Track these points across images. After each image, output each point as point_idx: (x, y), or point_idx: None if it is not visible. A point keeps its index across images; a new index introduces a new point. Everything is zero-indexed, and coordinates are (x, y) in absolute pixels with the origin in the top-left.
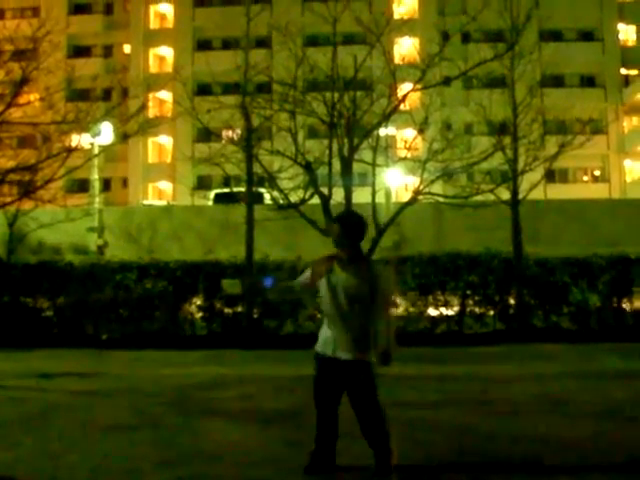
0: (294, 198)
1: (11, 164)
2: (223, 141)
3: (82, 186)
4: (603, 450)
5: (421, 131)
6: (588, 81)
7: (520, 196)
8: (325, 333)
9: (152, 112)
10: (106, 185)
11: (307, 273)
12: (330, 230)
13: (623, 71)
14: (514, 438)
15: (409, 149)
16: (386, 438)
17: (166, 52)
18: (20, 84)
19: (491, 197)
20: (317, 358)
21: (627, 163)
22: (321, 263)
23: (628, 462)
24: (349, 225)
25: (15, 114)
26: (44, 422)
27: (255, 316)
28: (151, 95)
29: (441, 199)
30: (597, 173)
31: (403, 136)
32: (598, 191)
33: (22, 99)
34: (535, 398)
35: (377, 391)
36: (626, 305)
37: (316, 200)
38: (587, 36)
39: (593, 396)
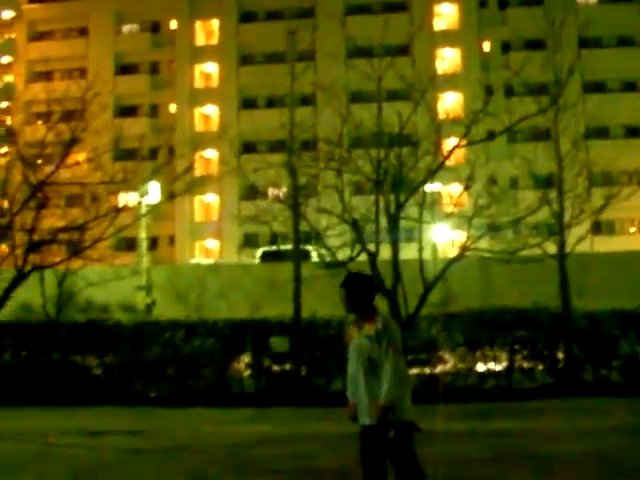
0: (341, 255)
1: (60, 224)
2: (269, 199)
3: (130, 244)
4: None
5: (467, 187)
6: (633, 131)
7: (567, 249)
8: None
9: (199, 171)
10: (153, 243)
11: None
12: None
13: None
14: None
15: (455, 205)
16: None
17: (211, 111)
18: (69, 145)
19: (538, 251)
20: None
21: None
22: (348, 328)
23: None
24: (352, 288)
25: (64, 175)
26: None
27: (303, 373)
28: (197, 154)
29: (488, 254)
30: None
31: (449, 192)
32: None
33: (71, 160)
34: (586, 454)
35: (414, 450)
36: None
37: (364, 257)
38: (631, 86)
39: None
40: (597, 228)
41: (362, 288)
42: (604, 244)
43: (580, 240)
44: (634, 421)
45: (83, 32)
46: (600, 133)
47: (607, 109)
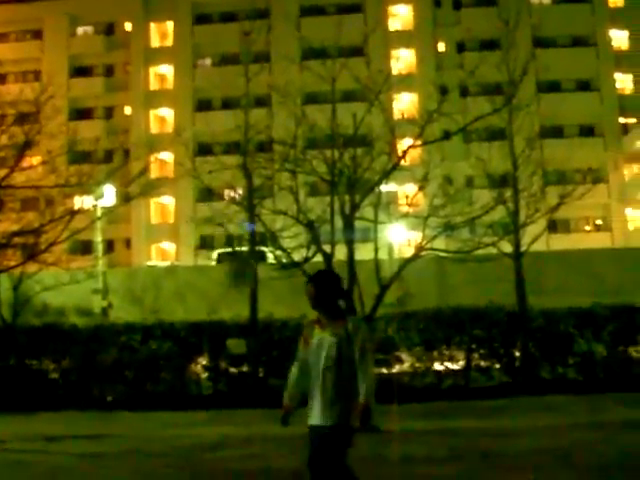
0: (297, 256)
1: (15, 228)
2: (225, 201)
3: (86, 248)
4: None
5: (422, 188)
6: (587, 131)
7: (522, 248)
8: (309, 401)
9: (154, 173)
10: (109, 246)
11: (300, 346)
12: (305, 291)
13: (621, 120)
14: None
15: (410, 205)
16: None
17: (166, 113)
18: (23, 148)
19: (493, 250)
20: (308, 428)
21: (629, 211)
22: (307, 328)
23: None
24: (322, 285)
25: (18, 178)
26: None
27: (260, 375)
28: (153, 157)
29: (443, 254)
30: (599, 222)
31: (404, 192)
32: (600, 240)
33: (25, 163)
34: (543, 451)
35: (346, 457)
36: (632, 354)
37: (319, 258)
38: (584, 86)
39: (602, 447)
40: (552, 227)
41: (331, 286)
42: (559, 242)
43: (535, 239)
44: (591, 418)
45: (37, 34)
46: (554, 132)
47: (561, 108)
